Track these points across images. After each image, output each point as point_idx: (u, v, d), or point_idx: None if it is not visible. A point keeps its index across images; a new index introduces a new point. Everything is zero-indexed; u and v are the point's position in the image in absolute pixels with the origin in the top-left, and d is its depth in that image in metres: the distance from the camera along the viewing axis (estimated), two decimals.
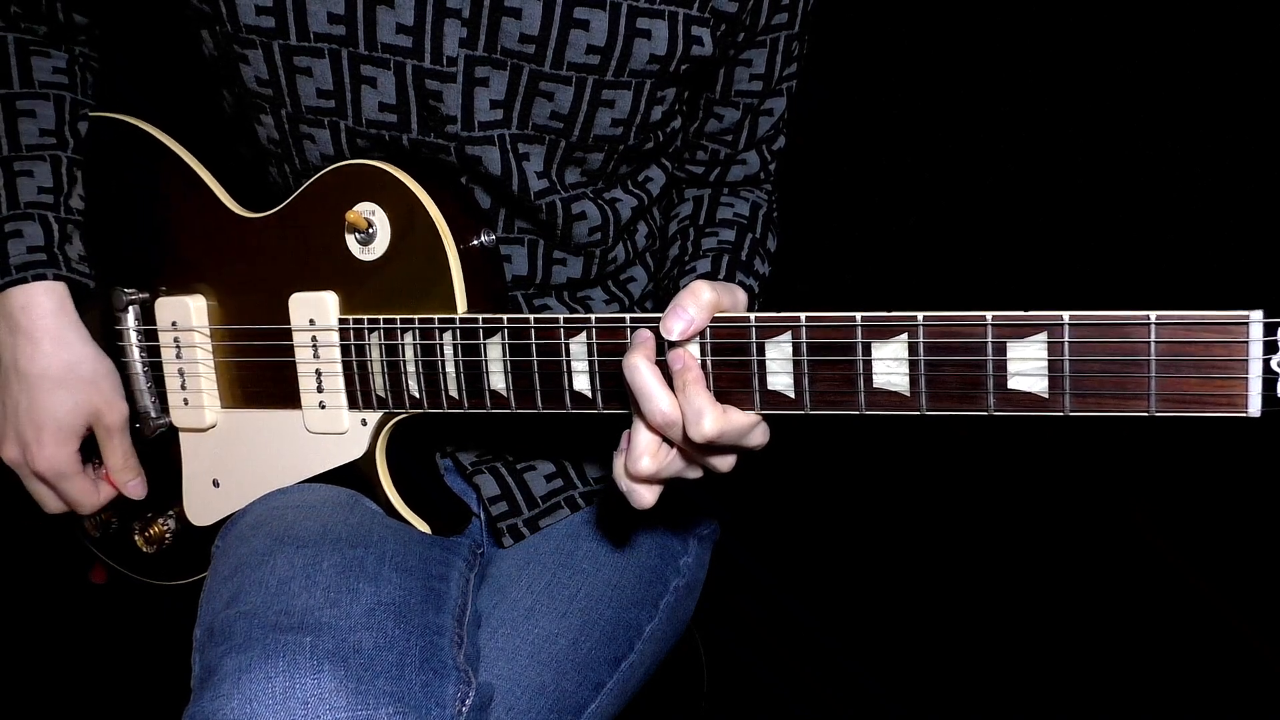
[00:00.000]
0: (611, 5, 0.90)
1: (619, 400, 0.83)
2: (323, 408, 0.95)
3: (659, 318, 0.77)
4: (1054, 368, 0.70)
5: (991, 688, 1.92)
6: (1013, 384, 0.71)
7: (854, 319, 0.74)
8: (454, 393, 0.90)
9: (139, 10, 1.09)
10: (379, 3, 0.88)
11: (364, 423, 0.95)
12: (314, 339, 0.94)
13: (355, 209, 0.91)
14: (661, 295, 1.12)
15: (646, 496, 0.80)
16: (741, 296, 0.80)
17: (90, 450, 1.03)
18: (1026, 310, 0.70)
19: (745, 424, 0.77)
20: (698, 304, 0.76)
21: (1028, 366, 0.71)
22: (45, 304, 0.97)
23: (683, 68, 0.95)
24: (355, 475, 0.97)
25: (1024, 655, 1.99)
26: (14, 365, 0.97)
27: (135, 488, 1.04)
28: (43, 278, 0.97)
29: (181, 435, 1.04)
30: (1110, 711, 1.86)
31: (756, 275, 1.06)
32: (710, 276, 1.02)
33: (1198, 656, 1.98)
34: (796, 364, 0.76)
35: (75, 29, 1.04)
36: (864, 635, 2.05)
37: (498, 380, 0.87)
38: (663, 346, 0.78)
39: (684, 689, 1.62)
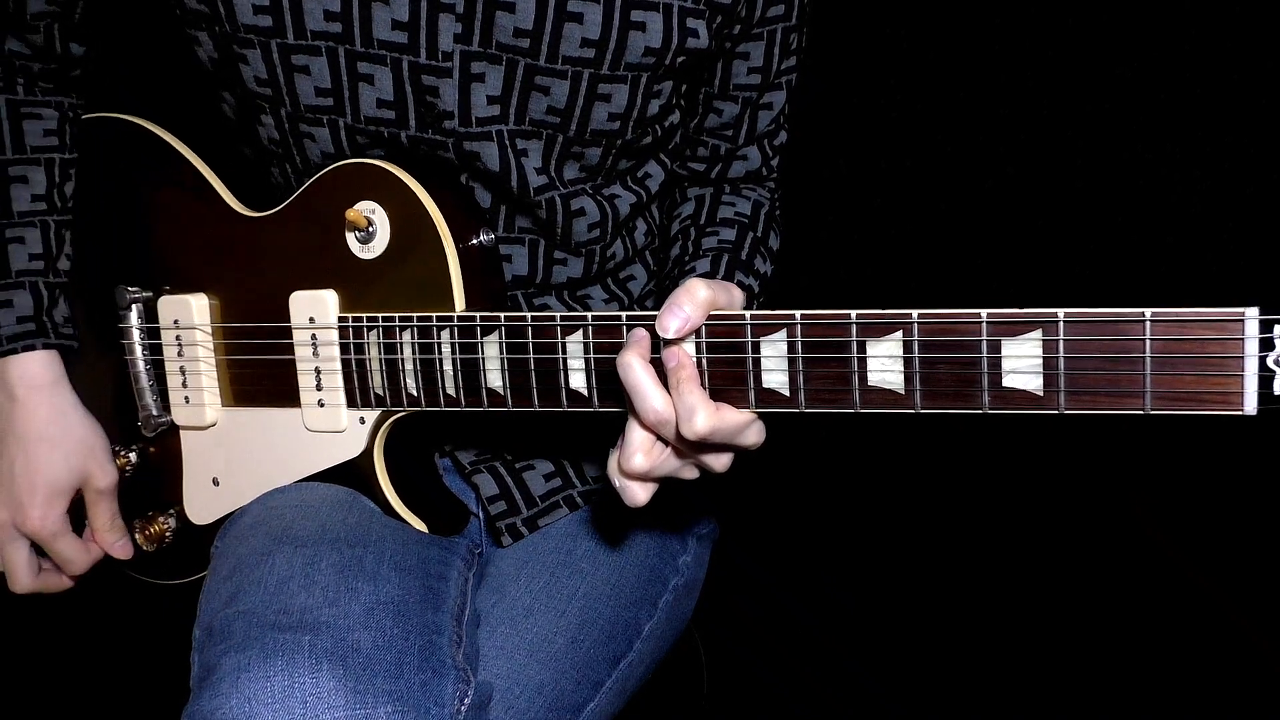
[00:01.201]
0: None
1: (615, 398, 0.83)
2: (321, 406, 0.96)
3: (657, 315, 0.77)
4: (1049, 365, 0.70)
5: (992, 684, 1.92)
6: (1007, 382, 0.71)
7: (849, 316, 0.74)
8: (451, 390, 0.90)
9: (138, 19, 1.09)
10: None
11: (362, 421, 0.95)
12: (313, 337, 0.94)
13: (355, 207, 0.92)
14: (662, 295, 1.12)
15: (639, 494, 0.80)
16: (738, 295, 0.80)
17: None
18: (1021, 308, 0.70)
19: (739, 422, 0.77)
20: (694, 301, 0.76)
21: (1022, 364, 0.71)
22: (38, 372, 1.00)
23: (679, 61, 0.95)
24: (354, 474, 0.97)
25: (1024, 651, 1.99)
26: (9, 429, 0.99)
27: (122, 548, 1.06)
28: (32, 348, 0.99)
29: (182, 433, 1.04)
30: (1110, 707, 1.86)
31: (757, 274, 1.06)
32: (709, 276, 1.02)
33: (1197, 651, 1.98)
34: (791, 362, 0.76)
35: (72, 62, 1.05)
36: (864, 635, 2.05)
37: (494, 378, 0.88)
38: (658, 344, 0.78)
39: (684, 689, 1.62)
